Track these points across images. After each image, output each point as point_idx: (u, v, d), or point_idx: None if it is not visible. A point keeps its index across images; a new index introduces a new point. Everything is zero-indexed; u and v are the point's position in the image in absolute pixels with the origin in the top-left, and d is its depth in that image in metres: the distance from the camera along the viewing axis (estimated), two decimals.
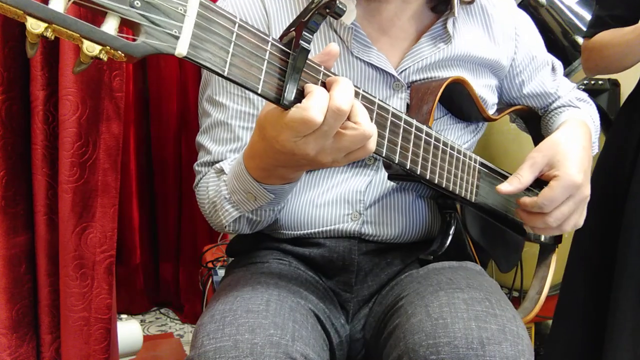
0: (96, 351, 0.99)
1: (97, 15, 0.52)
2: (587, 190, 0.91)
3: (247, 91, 0.88)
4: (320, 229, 0.94)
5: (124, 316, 1.84)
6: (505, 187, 0.89)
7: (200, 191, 0.92)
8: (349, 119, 0.65)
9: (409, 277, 0.90)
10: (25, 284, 0.97)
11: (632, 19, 1.30)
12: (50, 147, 0.94)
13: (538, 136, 1.15)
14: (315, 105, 0.61)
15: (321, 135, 0.64)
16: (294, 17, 0.88)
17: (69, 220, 0.93)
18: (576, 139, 0.94)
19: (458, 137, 0.98)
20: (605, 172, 1.31)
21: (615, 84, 1.94)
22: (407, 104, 0.93)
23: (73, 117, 0.90)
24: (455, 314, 0.74)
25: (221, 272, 1.84)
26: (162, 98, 2.28)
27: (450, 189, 0.88)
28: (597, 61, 1.27)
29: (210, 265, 1.91)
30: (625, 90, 1.88)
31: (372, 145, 0.68)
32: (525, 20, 1.05)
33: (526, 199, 0.90)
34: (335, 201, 0.93)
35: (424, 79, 0.94)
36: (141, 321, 2.35)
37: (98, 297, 0.98)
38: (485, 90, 0.99)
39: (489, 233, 1.04)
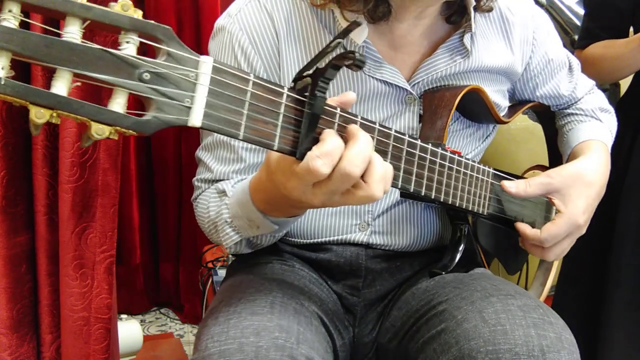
0: (96, 351, 0.99)
1: (102, 89, 0.49)
2: (584, 229, 0.94)
3: None
4: (328, 239, 0.93)
5: (124, 316, 1.84)
6: (510, 186, 0.88)
7: (199, 206, 0.90)
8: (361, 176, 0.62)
9: (434, 283, 0.88)
10: (26, 283, 0.98)
11: (623, 28, 1.30)
12: (50, 147, 0.94)
13: (550, 129, 1.14)
14: (322, 155, 0.59)
15: (328, 192, 0.62)
16: (304, 40, 0.86)
17: (69, 220, 0.93)
18: (599, 176, 0.95)
19: (466, 143, 0.96)
20: None
21: (616, 84, 1.93)
22: (420, 115, 0.90)
23: None
24: (513, 321, 0.73)
25: (221, 272, 1.84)
26: None
27: (464, 207, 0.85)
28: (590, 73, 1.27)
29: (210, 265, 1.91)
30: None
31: (379, 197, 0.65)
32: (543, 22, 1.02)
33: (527, 230, 0.91)
34: (343, 211, 0.92)
35: (437, 87, 0.91)
36: (141, 321, 2.34)
37: (98, 297, 0.98)
38: (497, 95, 0.97)
39: (498, 237, 1.03)
